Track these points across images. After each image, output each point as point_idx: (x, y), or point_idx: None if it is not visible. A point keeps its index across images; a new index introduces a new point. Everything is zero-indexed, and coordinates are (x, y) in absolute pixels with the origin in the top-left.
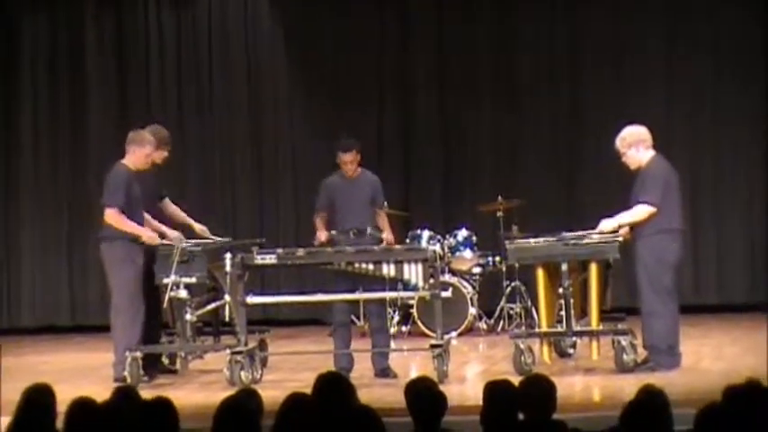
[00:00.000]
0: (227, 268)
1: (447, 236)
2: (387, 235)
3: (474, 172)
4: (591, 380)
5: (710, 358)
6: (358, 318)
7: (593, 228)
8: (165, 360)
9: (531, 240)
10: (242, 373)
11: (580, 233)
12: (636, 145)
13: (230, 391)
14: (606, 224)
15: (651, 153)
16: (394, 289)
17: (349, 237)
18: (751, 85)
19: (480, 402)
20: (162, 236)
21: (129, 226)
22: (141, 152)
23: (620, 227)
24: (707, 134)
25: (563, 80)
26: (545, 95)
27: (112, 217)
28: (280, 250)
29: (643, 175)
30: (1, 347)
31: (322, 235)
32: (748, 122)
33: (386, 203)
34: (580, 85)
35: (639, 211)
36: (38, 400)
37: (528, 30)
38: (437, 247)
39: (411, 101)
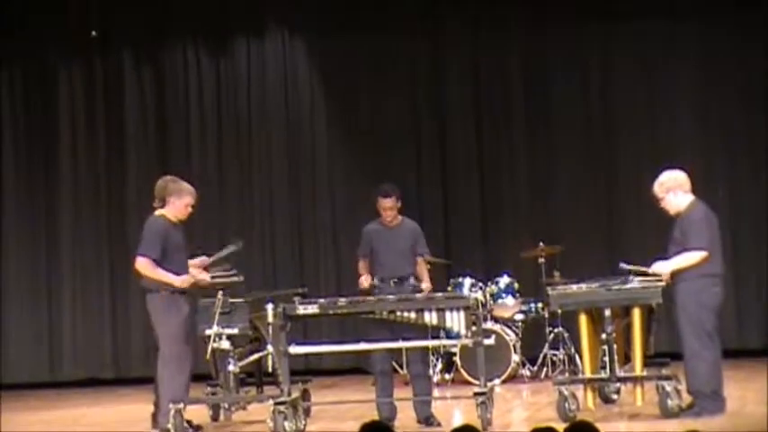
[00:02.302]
0: (270, 319)
1: (489, 283)
2: (425, 285)
3: (514, 219)
4: (635, 426)
5: (755, 402)
6: (401, 366)
7: (646, 266)
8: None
9: (574, 286)
10: (285, 424)
11: (634, 267)
12: (674, 190)
13: None
14: (661, 267)
15: (690, 198)
16: (436, 337)
17: (389, 285)
18: None
19: None
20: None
21: (160, 274)
22: (181, 203)
23: (674, 274)
24: (746, 177)
25: (599, 127)
26: (581, 142)
27: (143, 266)
28: (321, 300)
29: (684, 220)
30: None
31: (365, 281)
32: None
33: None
34: (616, 131)
35: (694, 256)
36: None
37: (561, 75)
38: (479, 295)
39: (449, 149)
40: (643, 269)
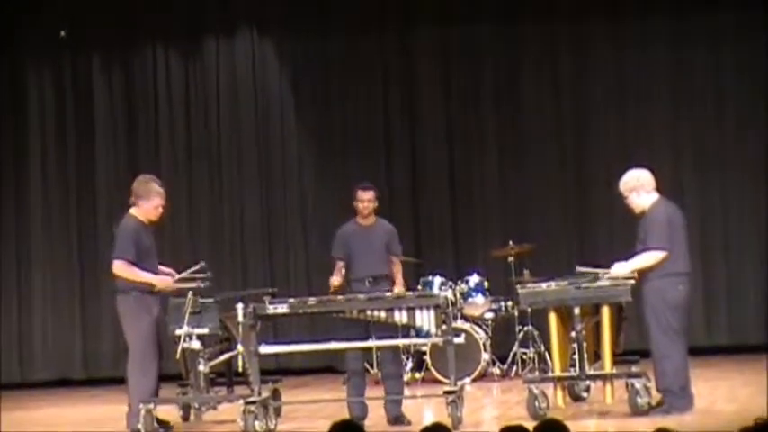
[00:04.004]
0: (240, 318)
1: (459, 282)
2: (397, 288)
3: (484, 218)
4: (605, 423)
5: (724, 400)
6: (371, 365)
7: (606, 267)
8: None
9: (543, 285)
10: (256, 423)
11: (594, 270)
12: (636, 189)
13: None
14: (620, 269)
15: (654, 196)
16: (407, 336)
17: (364, 284)
18: (758, 122)
19: None
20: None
21: (140, 275)
22: (149, 205)
23: (640, 273)
24: (714, 176)
25: (570, 125)
26: (551, 141)
27: (120, 268)
28: (291, 299)
29: (646, 220)
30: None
31: (335, 279)
32: (756, 161)
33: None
34: (587, 129)
35: (651, 257)
36: None
37: (533, 77)
38: (449, 294)
39: (420, 148)
40: (599, 271)
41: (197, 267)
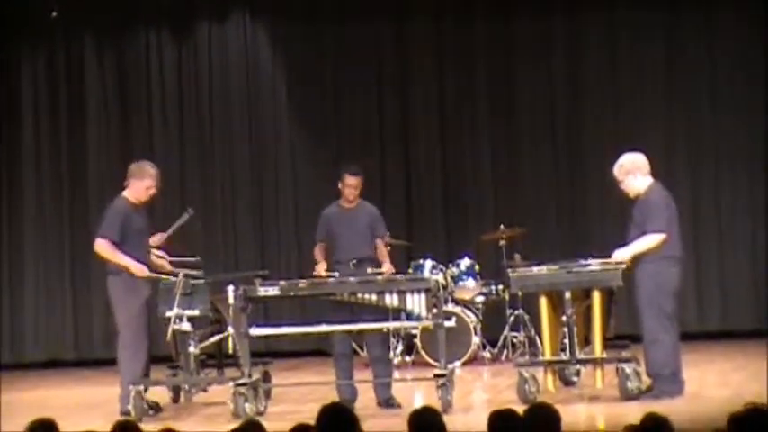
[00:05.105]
0: (230, 300)
1: (450, 265)
2: (386, 267)
3: (476, 201)
4: (595, 408)
5: (715, 385)
6: (361, 348)
7: (607, 256)
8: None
9: (534, 269)
10: (246, 405)
11: (592, 261)
12: (633, 172)
13: (235, 424)
14: (621, 253)
15: (649, 180)
16: (397, 319)
17: (348, 267)
18: (752, 113)
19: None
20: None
21: (118, 257)
22: (141, 185)
23: (633, 256)
24: (708, 162)
25: (563, 110)
26: (545, 126)
27: (101, 247)
28: (282, 282)
29: (643, 203)
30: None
31: (321, 267)
32: (749, 150)
33: (388, 234)
34: (580, 114)
35: (652, 239)
36: None
37: (526, 62)
38: (440, 277)
39: (413, 132)
40: (603, 261)
41: (185, 217)
